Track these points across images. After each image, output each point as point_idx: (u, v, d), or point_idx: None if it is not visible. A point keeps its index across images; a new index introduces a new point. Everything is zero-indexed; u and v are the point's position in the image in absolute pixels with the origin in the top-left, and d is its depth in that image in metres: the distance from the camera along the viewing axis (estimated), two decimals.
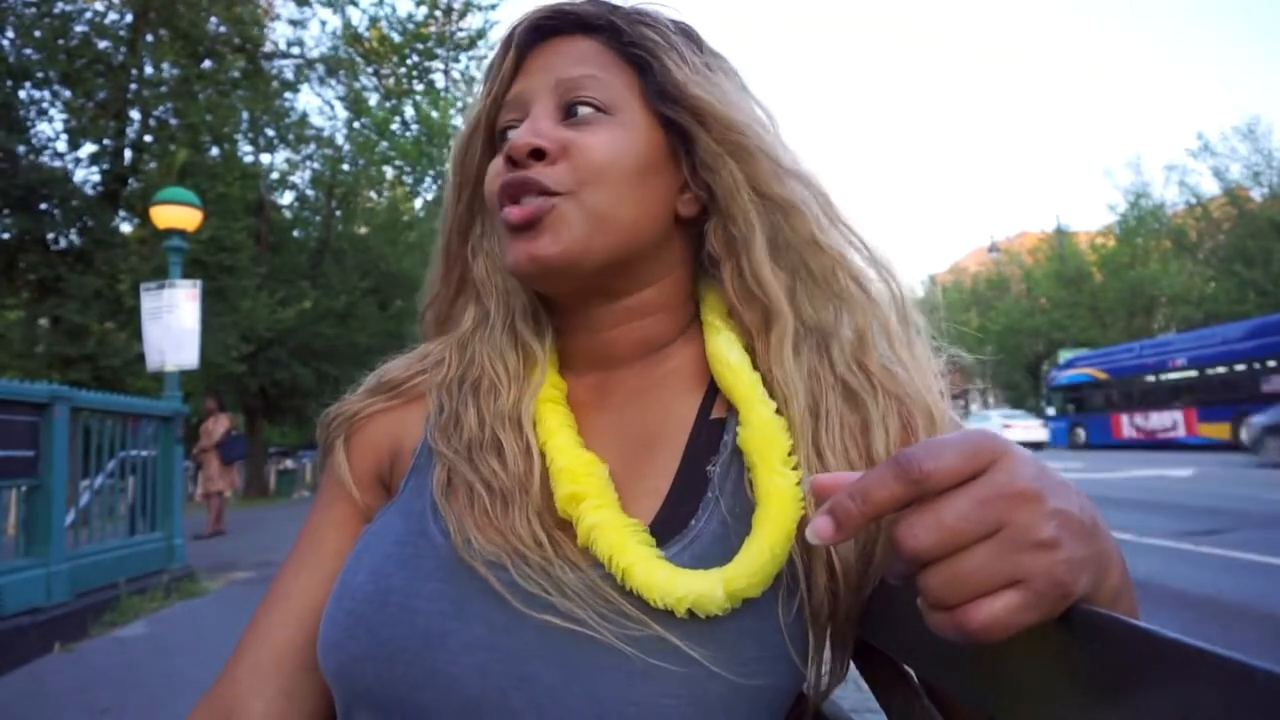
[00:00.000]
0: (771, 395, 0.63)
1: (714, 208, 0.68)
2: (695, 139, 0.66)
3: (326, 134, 15.89)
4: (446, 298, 0.76)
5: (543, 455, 0.63)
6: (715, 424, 0.65)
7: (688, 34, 0.70)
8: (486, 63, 0.72)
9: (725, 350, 0.66)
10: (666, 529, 0.60)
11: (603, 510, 0.58)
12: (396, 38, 15.09)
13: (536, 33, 0.68)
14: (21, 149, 10.72)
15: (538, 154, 0.62)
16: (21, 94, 10.90)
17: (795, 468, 0.59)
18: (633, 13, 0.68)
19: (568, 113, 0.65)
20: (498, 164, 0.65)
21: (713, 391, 0.67)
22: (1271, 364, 17.94)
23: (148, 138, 12.25)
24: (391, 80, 15.51)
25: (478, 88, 0.74)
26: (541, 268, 0.62)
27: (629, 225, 0.64)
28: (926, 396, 0.63)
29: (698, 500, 0.61)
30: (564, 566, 0.57)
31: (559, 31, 0.69)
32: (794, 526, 0.56)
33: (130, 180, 11.75)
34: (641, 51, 0.66)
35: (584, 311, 0.68)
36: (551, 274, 0.63)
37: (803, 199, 0.67)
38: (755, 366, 0.65)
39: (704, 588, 0.54)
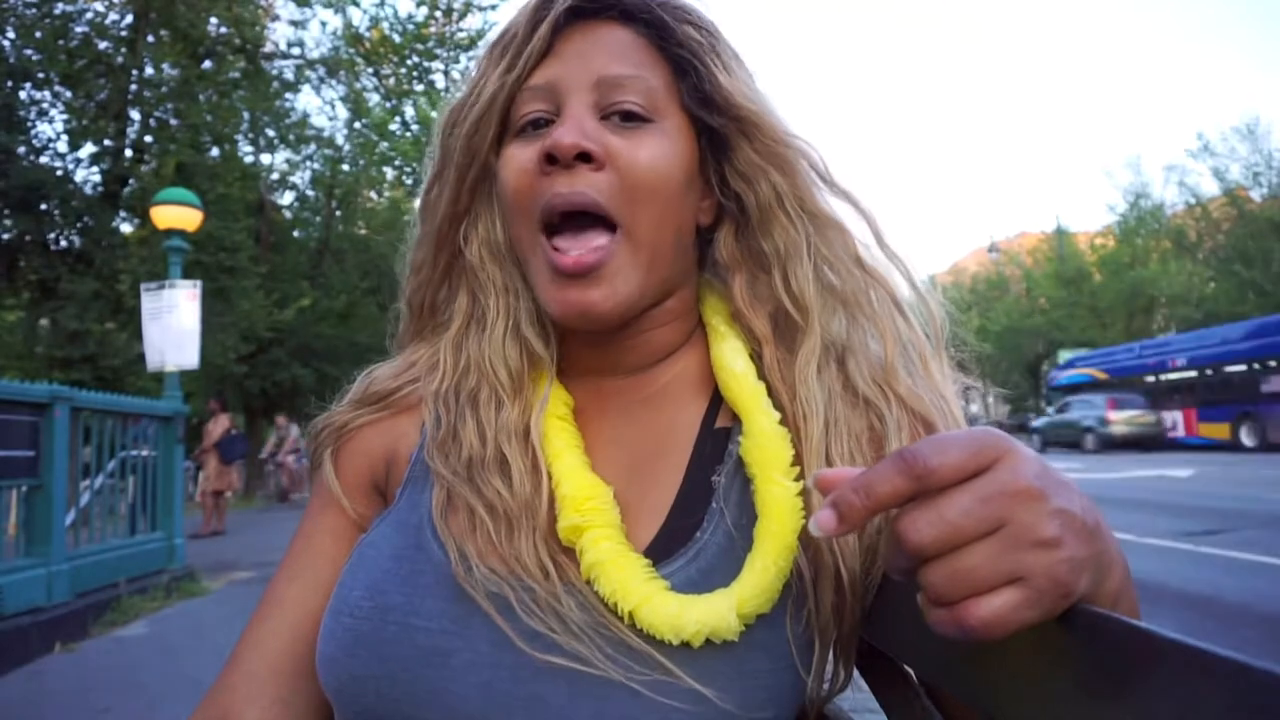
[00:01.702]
0: (790, 410, 0.61)
1: (740, 218, 0.66)
2: (735, 149, 0.64)
3: (326, 134, 15.89)
4: (433, 282, 0.71)
5: (549, 475, 0.61)
6: (720, 433, 0.64)
7: (724, 36, 0.66)
8: (499, 34, 0.65)
9: (730, 359, 0.64)
10: (672, 542, 0.59)
11: (605, 544, 0.56)
12: (397, 38, 15.06)
13: (572, 14, 0.63)
14: (22, 149, 10.71)
15: (583, 156, 0.58)
16: (22, 94, 10.89)
17: (797, 478, 0.57)
18: (678, 9, 0.64)
19: (607, 112, 0.61)
20: (526, 158, 0.61)
21: (717, 399, 0.66)
22: (1271, 364, 17.92)
23: (148, 138, 12.24)
24: (392, 80, 15.49)
25: (473, 60, 0.67)
26: (593, 321, 0.59)
27: (671, 251, 0.63)
28: (945, 413, 0.62)
29: (702, 511, 0.60)
30: (570, 601, 0.55)
31: (595, 15, 0.63)
32: (795, 538, 0.55)
33: (130, 181, 11.74)
34: (685, 52, 0.63)
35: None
36: (601, 324, 0.60)
37: (847, 217, 0.65)
38: (761, 374, 0.64)
39: (716, 617, 0.53)
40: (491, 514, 0.59)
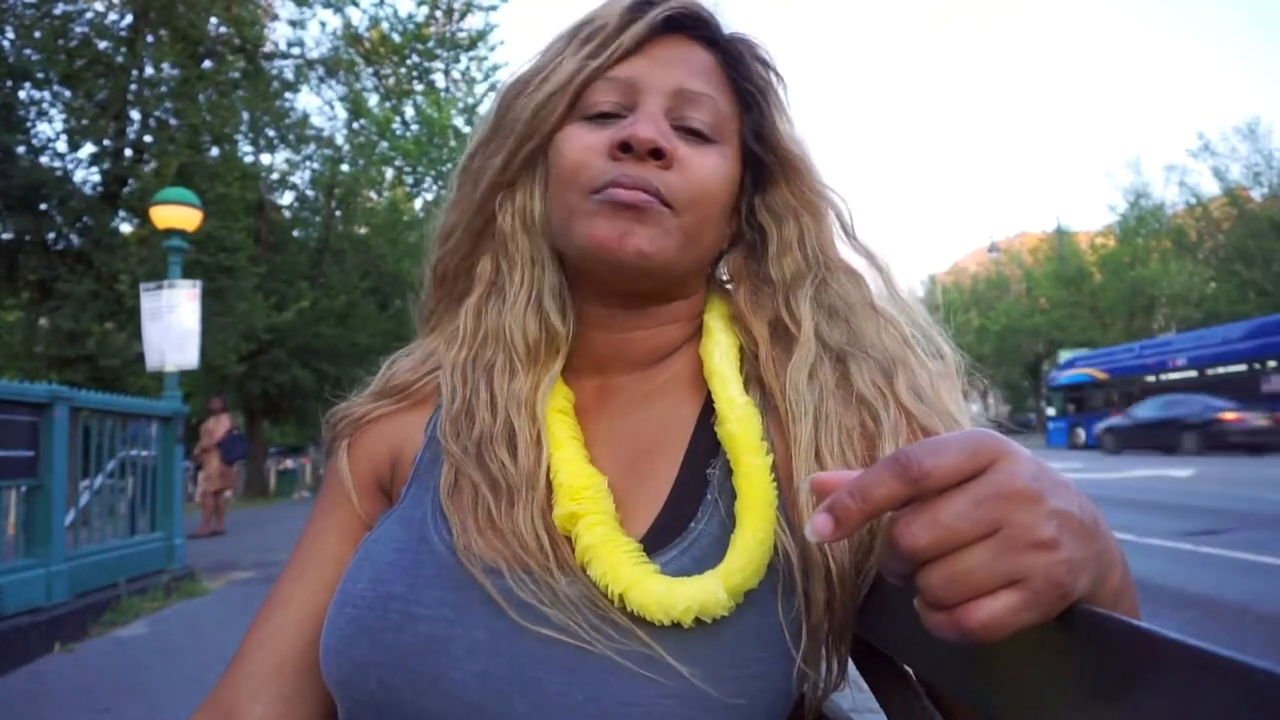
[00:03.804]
0: (782, 409, 0.63)
1: (756, 247, 0.70)
2: (773, 186, 0.69)
3: (326, 134, 15.89)
4: (462, 248, 0.72)
5: (549, 463, 0.62)
6: (716, 423, 0.65)
7: (786, 83, 0.70)
8: (582, 22, 0.67)
9: (713, 350, 0.67)
10: (667, 532, 0.60)
11: (598, 528, 0.58)
12: (397, 38, 15.07)
13: (667, 23, 0.66)
14: (21, 149, 10.71)
15: (656, 153, 0.61)
16: (21, 94, 10.89)
17: (768, 453, 0.60)
18: (756, 47, 0.69)
19: (676, 124, 0.64)
20: (596, 140, 0.63)
21: None
22: (1271, 364, 17.93)
23: (147, 138, 12.23)
24: (392, 80, 15.49)
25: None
26: (627, 254, 0.60)
27: (704, 250, 0.66)
28: (946, 421, 0.62)
29: (698, 503, 0.61)
30: (561, 574, 0.57)
31: (685, 30, 0.67)
32: (773, 510, 0.57)
33: (130, 181, 11.73)
34: (753, 88, 0.67)
35: (612, 308, 0.67)
36: (630, 265, 0.61)
37: (863, 268, 0.70)
38: (757, 372, 0.66)
39: (705, 593, 0.54)
40: (494, 490, 0.61)
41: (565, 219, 0.64)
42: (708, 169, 0.63)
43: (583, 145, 0.63)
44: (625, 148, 0.61)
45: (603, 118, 0.64)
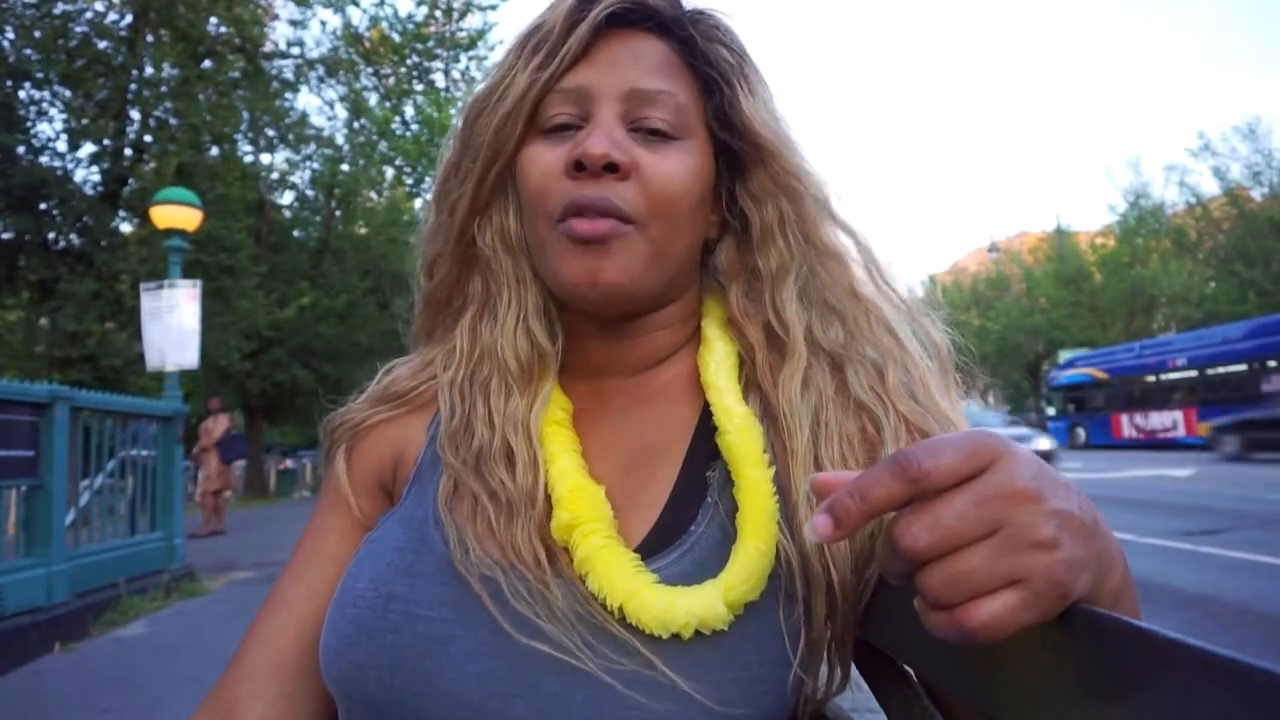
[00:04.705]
0: (778, 418, 0.62)
1: (741, 235, 0.68)
2: (750, 172, 0.66)
3: (326, 134, 15.88)
4: (450, 276, 0.71)
5: (546, 477, 0.62)
6: (715, 430, 0.65)
7: (751, 57, 0.67)
8: (530, 29, 0.64)
9: (709, 364, 0.66)
10: (667, 535, 0.59)
11: (593, 538, 0.57)
12: (396, 38, 15.07)
13: (610, 20, 0.63)
14: (22, 149, 10.70)
15: (610, 167, 0.59)
16: (21, 94, 10.88)
17: (770, 464, 0.59)
18: (712, 27, 0.65)
19: (635, 125, 0.62)
20: (553, 159, 0.61)
21: None
22: (1271, 364, 17.93)
23: (148, 138, 12.23)
24: (392, 80, 15.49)
25: (482, 78, 0.67)
26: (601, 291, 0.60)
27: (680, 256, 0.64)
28: (940, 420, 0.62)
29: (698, 506, 0.61)
30: (559, 590, 0.56)
31: (632, 24, 0.64)
32: (774, 523, 0.57)
33: (130, 180, 11.73)
34: (714, 72, 0.64)
35: (604, 320, 0.66)
36: (606, 300, 0.61)
37: (847, 250, 0.67)
38: (755, 378, 0.65)
39: (704, 607, 0.53)
40: (494, 501, 0.60)
41: (537, 248, 0.64)
42: (670, 171, 0.61)
43: (543, 169, 0.61)
44: (580, 166, 0.59)
45: (560, 130, 0.62)
